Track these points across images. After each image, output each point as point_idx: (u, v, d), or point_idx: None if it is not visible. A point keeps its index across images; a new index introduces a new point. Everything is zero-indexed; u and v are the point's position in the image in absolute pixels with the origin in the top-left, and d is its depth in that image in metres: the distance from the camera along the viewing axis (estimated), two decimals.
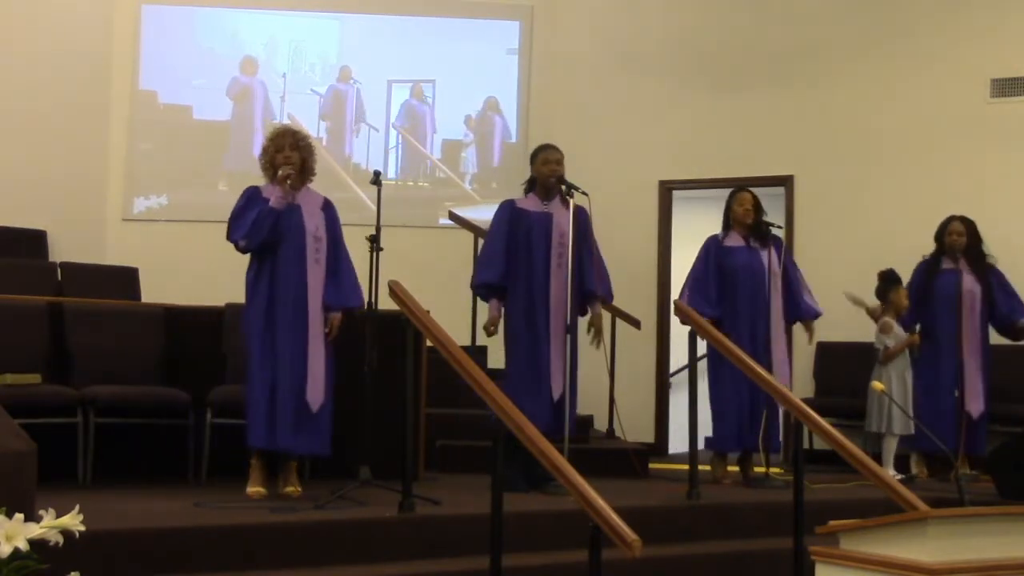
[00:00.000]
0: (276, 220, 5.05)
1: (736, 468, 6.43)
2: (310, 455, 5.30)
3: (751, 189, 6.64)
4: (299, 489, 5.04)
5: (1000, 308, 7.10)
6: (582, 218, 5.72)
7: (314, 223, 5.15)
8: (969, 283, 7.04)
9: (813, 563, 3.44)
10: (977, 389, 6.94)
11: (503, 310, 5.76)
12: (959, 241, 7.09)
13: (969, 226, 7.13)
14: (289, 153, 5.11)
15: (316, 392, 5.02)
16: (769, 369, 5.86)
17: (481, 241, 6.80)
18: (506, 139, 9.34)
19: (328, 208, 5.28)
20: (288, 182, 5.06)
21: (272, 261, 5.08)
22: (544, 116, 9.07)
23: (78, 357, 5.56)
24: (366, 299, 5.13)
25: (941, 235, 7.16)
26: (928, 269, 7.17)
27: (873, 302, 7.21)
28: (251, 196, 5.14)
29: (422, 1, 9.42)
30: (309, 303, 5.07)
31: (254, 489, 4.99)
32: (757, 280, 6.38)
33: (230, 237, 5.09)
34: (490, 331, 5.73)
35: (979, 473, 6.74)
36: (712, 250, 6.45)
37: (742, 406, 6.27)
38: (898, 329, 6.99)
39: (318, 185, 5.37)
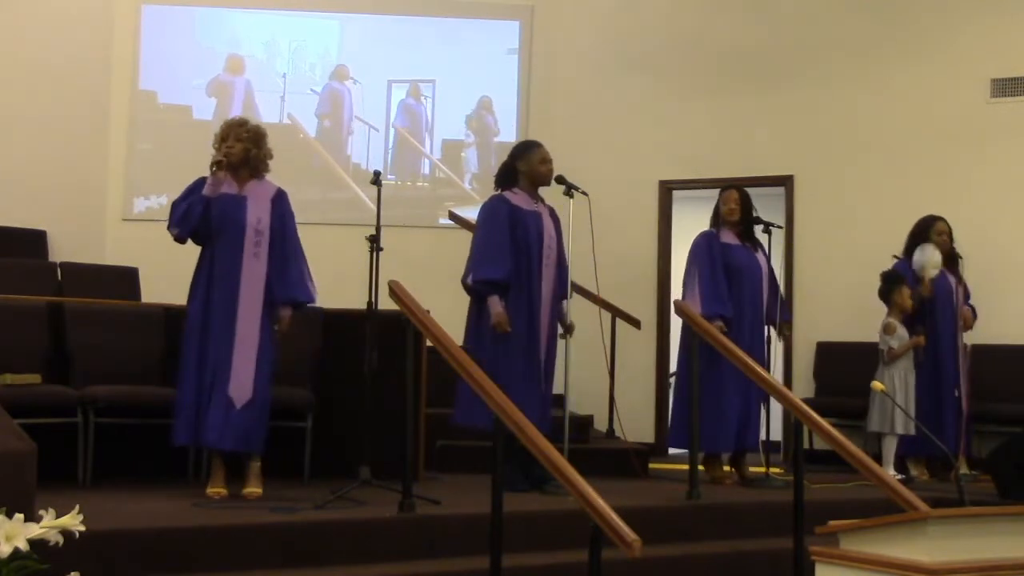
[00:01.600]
0: (205, 209, 4.99)
1: (731, 468, 6.42)
2: (233, 452, 4.99)
3: (743, 187, 6.60)
4: (259, 491, 4.91)
5: None
6: (558, 220, 5.76)
7: (257, 216, 5.05)
8: (953, 283, 7.07)
9: (813, 563, 3.44)
10: (966, 388, 6.95)
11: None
12: (947, 242, 7.09)
13: (948, 227, 7.13)
14: (232, 143, 5.05)
15: (240, 389, 4.90)
16: (768, 370, 5.86)
17: None
18: (502, 139, 9.32)
19: (279, 200, 5.15)
20: (217, 170, 4.99)
21: (211, 253, 5.04)
22: (544, 116, 9.07)
23: (78, 357, 5.55)
24: (368, 299, 5.08)
25: (925, 234, 7.12)
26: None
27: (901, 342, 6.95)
28: (193, 187, 5.10)
29: (422, 1, 9.42)
30: (240, 297, 4.97)
31: (213, 489, 4.91)
32: (756, 281, 6.37)
33: (168, 226, 5.07)
34: (504, 328, 5.51)
35: (979, 473, 6.74)
36: (715, 247, 6.37)
37: (733, 407, 6.22)
38: (901, 330, 6.96)
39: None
